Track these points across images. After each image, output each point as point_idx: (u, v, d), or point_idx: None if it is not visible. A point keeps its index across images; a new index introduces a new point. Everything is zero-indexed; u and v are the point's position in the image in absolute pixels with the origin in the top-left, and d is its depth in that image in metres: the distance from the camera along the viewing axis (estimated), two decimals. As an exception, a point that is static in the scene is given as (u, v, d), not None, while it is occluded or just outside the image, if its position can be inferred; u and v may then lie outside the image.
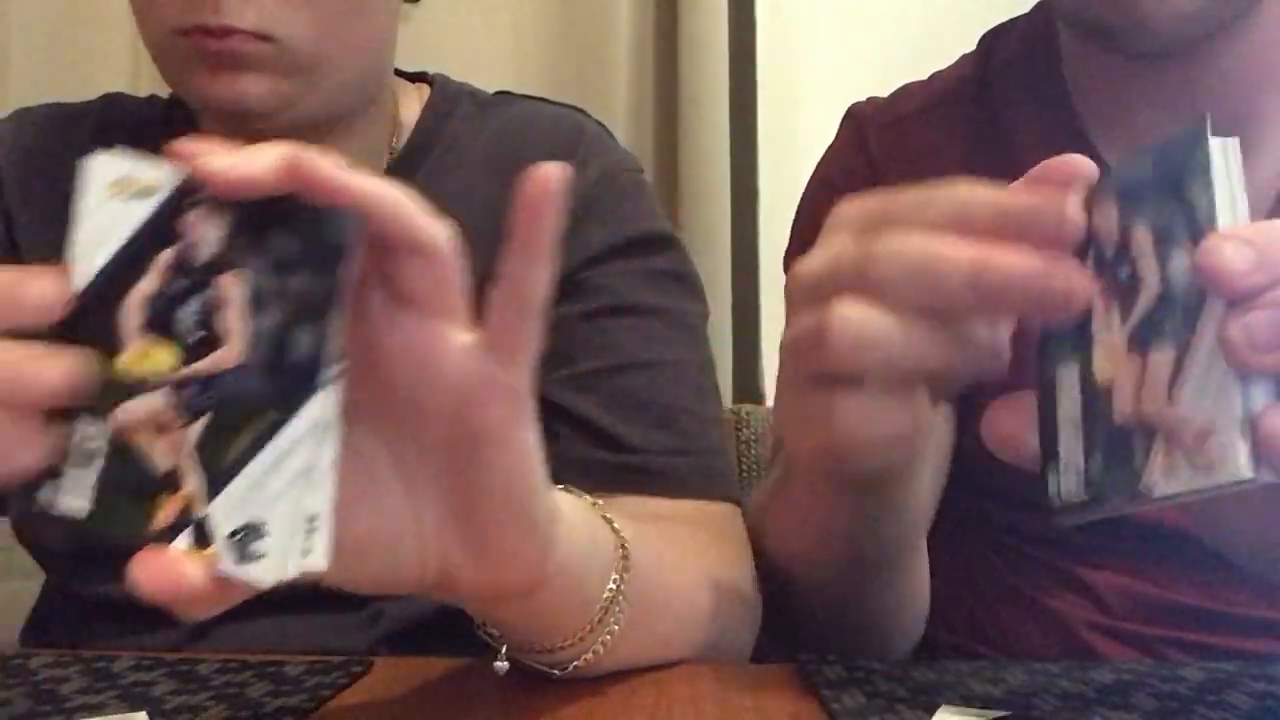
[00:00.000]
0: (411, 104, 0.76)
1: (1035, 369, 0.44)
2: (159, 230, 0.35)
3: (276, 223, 0.35)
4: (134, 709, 0.46)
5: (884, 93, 0.80)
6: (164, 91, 0.80)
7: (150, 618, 0.67)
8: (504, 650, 0.48)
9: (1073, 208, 0.41)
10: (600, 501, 0.50)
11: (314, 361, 0.34)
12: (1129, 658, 0.65)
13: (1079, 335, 0.42)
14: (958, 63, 0.79)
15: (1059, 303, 0.41)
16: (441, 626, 0.66)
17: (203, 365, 0.34)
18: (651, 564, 0.51)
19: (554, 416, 0.68)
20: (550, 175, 0.36)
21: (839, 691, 0.48)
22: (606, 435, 0.67)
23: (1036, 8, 0.76)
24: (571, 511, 0.45)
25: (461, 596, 0.42)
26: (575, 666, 0.48)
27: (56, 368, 0.33)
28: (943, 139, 0.74)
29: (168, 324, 0.34)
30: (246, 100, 0.64)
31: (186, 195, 0.35)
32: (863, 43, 1.35)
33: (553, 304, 0.74)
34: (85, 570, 0.69)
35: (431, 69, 0.80)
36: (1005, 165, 0.71)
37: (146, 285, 0.34)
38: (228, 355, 0.34)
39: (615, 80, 1.35)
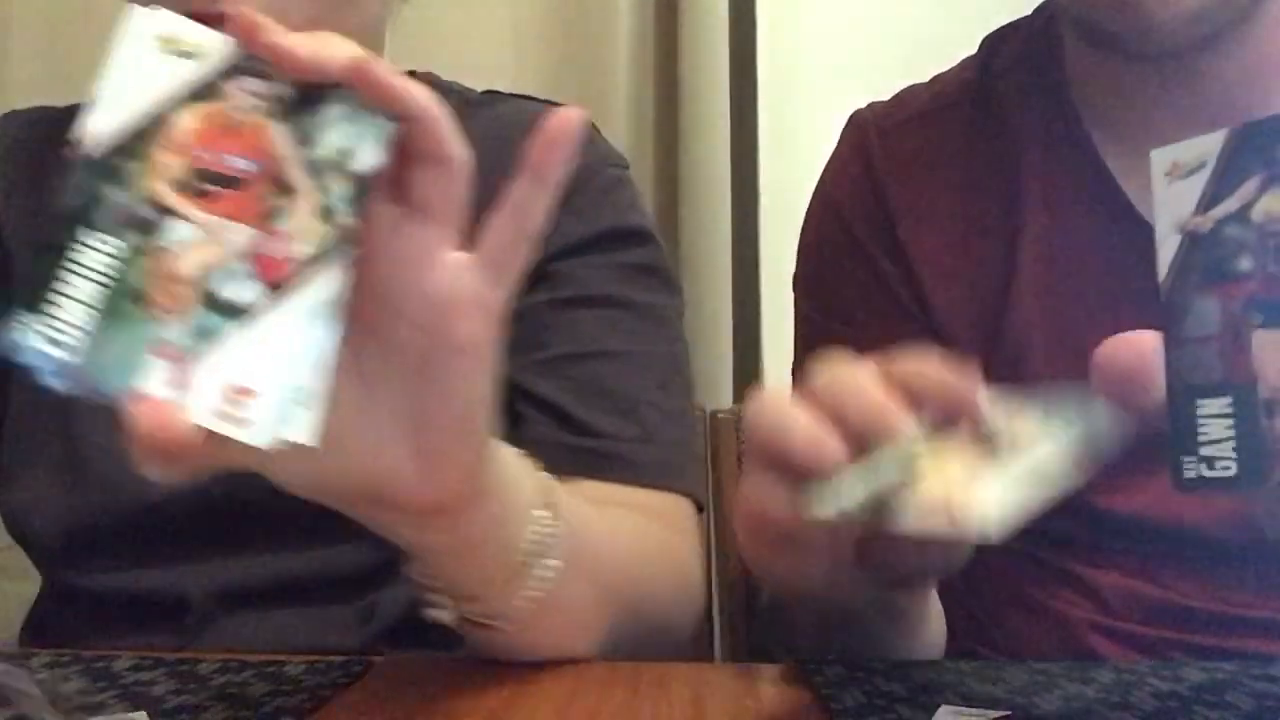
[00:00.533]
0: None
1: (1163, 316, 0.39)
2: (202, 91, 0.36)
3: (321, 108, 0.36)
4: (134, 709, 0.46)
5: (884, 93, 0.80)
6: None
7: (145, 614, 0.67)
8: (437, 604, 0.48)
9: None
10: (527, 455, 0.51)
11: (335, 243, 0.35)
12: (1129, 658, 0.65)
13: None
14: (959, 65, 0.78)
15: None
16: (436, 623, 0.66)
17: (223, 228, 0.35)
18: (581, 525, 0.52)
19: (520, 398, 0.69)
20: (573, 116, 0.40)
21: (839, 691, 0.48)
22: (569, 419, 0.68)
23: (1037, 10, 0.76)
24: (505, 449, 0.47)
25: (397, 507, 0.43)
26: (507, 619, 0.49)
27: None
28: (945, 142, 0.74)
29: (203, 179, 0.35)
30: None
31: (237, 65, 0.36)
32: (863, 43, 1.35)
33: (524, 291, 0.75)
34: (76, 561, 0.69)
35: (432, 69, 0.80)
36: (1007, 168, 0.71)
37: (178, 143, 0.35)
38: (252, 213, 0.35)
39: (615, 80, 1.35)
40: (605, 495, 0.66)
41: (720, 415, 1.09)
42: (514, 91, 0.81)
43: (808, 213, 0.81)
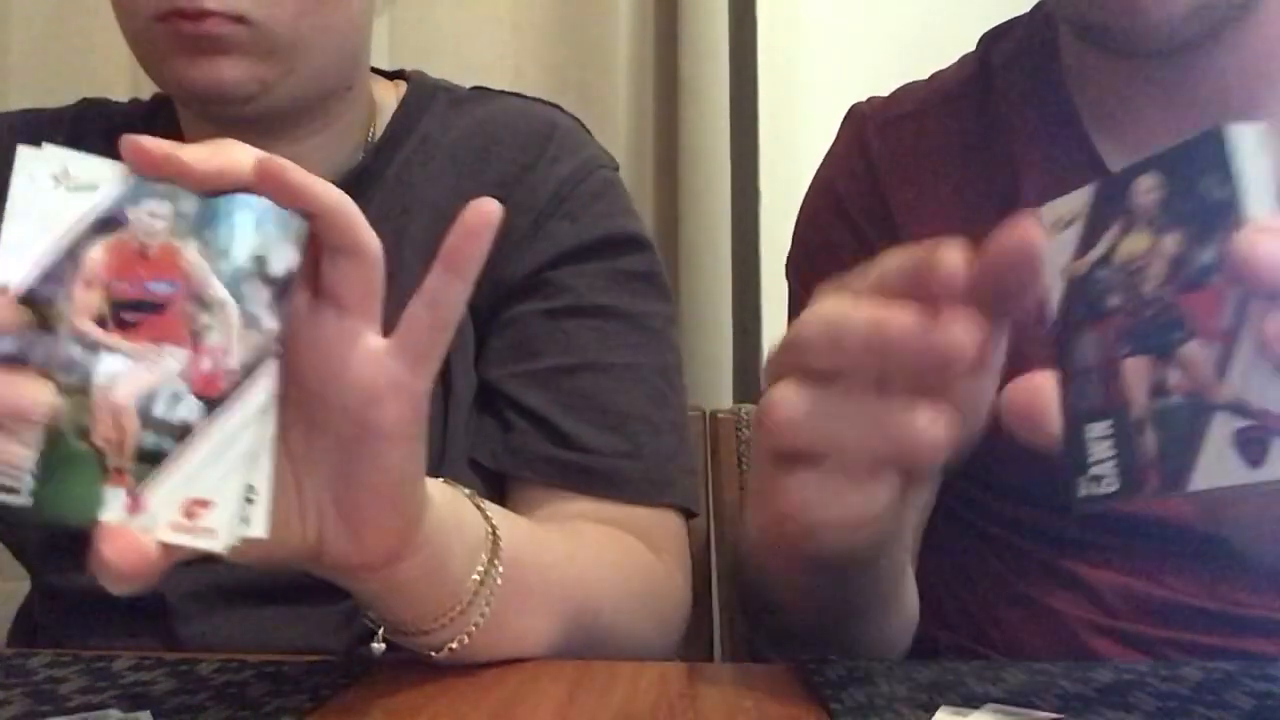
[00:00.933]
0: (388, 99, 0.76)
1: (1055, 353, 0.43)
2: (106, 222, 0.36)
3: (227, 218, 0.37)
4: (134, 709, 0.46)
5: (884, 93, 0.80)
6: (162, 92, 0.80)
7: (126, 613, 0.67)
8: (381, 633, 0.49)
9: (950, 259, 0.41)
10: (474, 494, 0.52)
11: (261, 349, 0.37)
12: (1129, 658, 0.65)
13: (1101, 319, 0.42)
14: (958, 63, 0.79)
15: (946, 359, 0.39)
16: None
17: (153, 353, 0.36)
18: (531, 555, 0.53)
19: (508, 407, 0.69)
20: (491, 210, 0.40)
21: (839, 691, 0.48)
22: (558, 432, 0.68)
23: (1035, 8, 0.76)
24: (441, 498, 0.47)
25: (330, 567, 0.44)
26: (451, 649, 0.50)
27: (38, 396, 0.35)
28: (943, 138, 0.74)
29: (124, 309, 0.36)
30: (224, 85, 0.65)
31: (136, 189, 0.36)
32: (863, 43, 1.35)
33: (518, 299, 0.75)
34: (56, 561, 0.69)
35: (431, 69, 0.80)
36: (1005, 164, 0.71)
37: (93, 277, 0.36)
38: (179, 333, 0.36)
39: (615, 80, 1.35)
40: (589, 512, 0.66)
41: (720, 415, 1.09)
42: (515, 91, 0.81)
43: (804, 201, 0.81)
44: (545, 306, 0.70)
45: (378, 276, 0.40)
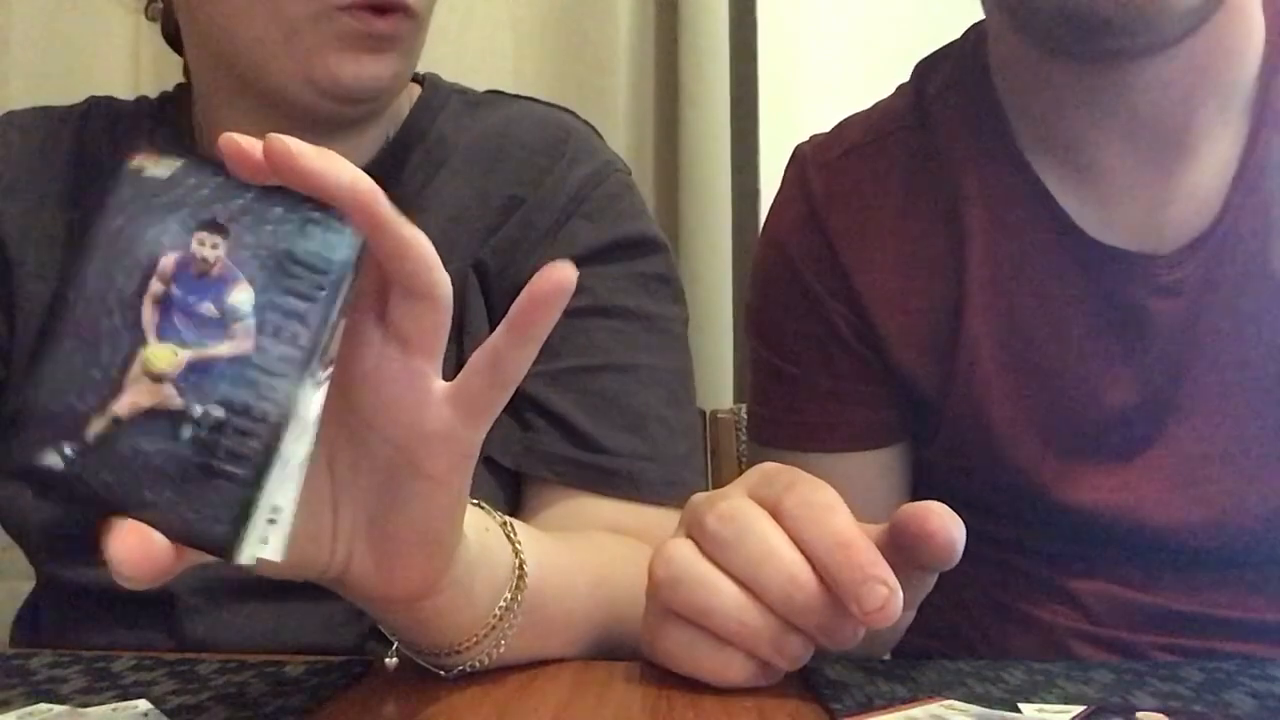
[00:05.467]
0: (402, 100, 0.76)
1: None
2: (183, 226, 0.35)
3: (293, 227, 0.35)
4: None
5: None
6: (166, 87, 0.80)
7: (132, 608, 0.67)
8: (395, 647, 0.49)
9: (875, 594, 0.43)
10: (509, 521, 0.51)
11: (308, 360, 0.34)
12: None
13: None
14: (895, 92, 0.78)
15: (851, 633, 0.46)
16: None
17: (205, 355, 0.34)
18: (555, 583, 0.53)
19: (528, 407, 0.69)
20: (564, 277, 0.38)
21: (839, 691, 0.48)
22: (578, 433, 0.68)
23: (965, 34, 0.76)
24: (472, 531, 0.46)
25: (354, 594, 0.44)
26: (463, 670, 0.49)
27: None
28: (883, 170, 0.74)
29: (178, 320, 0.34)
30: (381, 83, 0.66)
31: (215, 194, 0.35)
32: (863, 43, 1.35)
33: None
34: (64, 555, 0.69)
35: (431, 69, 0.80)
36: (948, 192, 0.72)
37: (162, 279, 0.34)
38: (232, 348, 0.34)
39: (615, 80, 1.35)
40: (606, 512, 0.66)
41: (720, 415, 1.09)
42: (515, 91, 0.81)
43: (757, 250, 0.81)
44: (566, 306, 0.70)
45: (446, 320, 0.39)
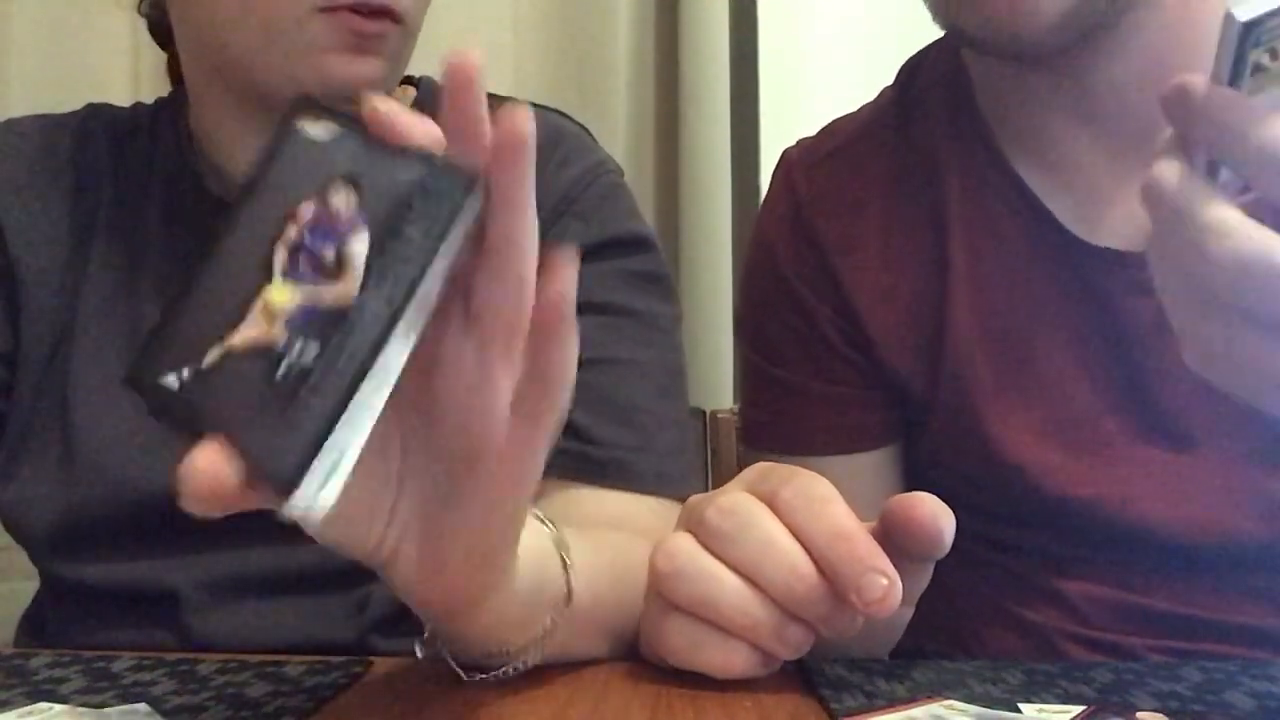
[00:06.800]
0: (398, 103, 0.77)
1: None
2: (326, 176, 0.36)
3: (414, 184, 0.36)
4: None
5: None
6: (162, 93, 0.80)
7: (138, 606, 0.67)
8: (426, 634, 0.48)
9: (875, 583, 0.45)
10: (566, 543, 0.51)
11: (401, 309, 0.35)
12: None
13: None
14: (880, 94, 0.79)
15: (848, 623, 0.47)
16: None
17: (316, 298, 0.35)
18: (593, 599, 0.52)
19: None
20: (568, 272, 0.39)
21: (839, 691, 0.48)
22: (570, 425, 0.68)
23: (947, 34, 0.75)
24: (528, 553, 0.45)
25: (395, 587, 0.43)
26: (483, 679, 0.49)
27: None
28: (867, 172, 0.74)
29: (303, 263, 0.36)
30: (368, 86, 0.66)
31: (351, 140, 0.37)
32: (863, 43, 1.35)
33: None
34: (70, 554, 0.70)
35: (431, 69, 0.80)
36: (932, 190, 0.72)
37: (296, 225, 0.36)
38: (339, 293, 0.35)
39: (615, 80, 1.35)
40: (600, 503, 0.67)
41: (720, 415, 1.09)
42: (514, 92, 0.81)
43: (746, 254, 0.81)
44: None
45: (524, 315, 0.38)
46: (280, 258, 0.36)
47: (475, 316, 0.38)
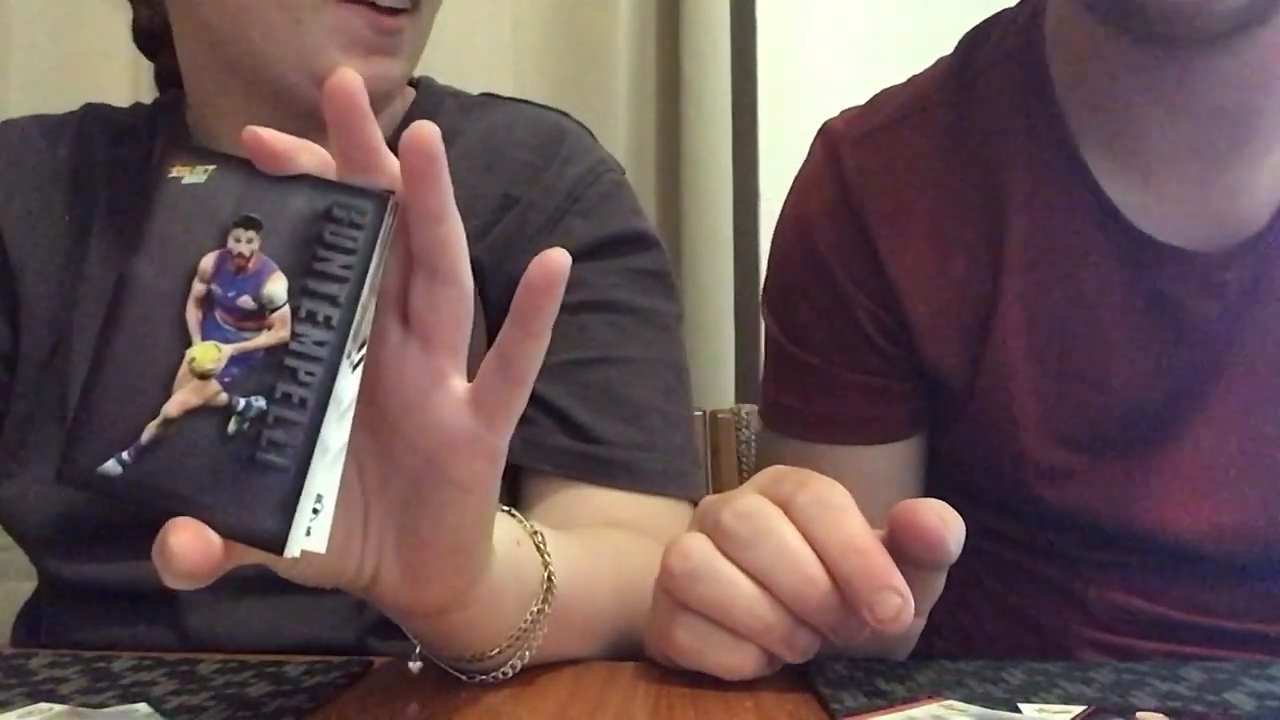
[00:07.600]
0: (396, 104, 0.76)
1: None
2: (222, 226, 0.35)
3: (319, 213, 0.35)
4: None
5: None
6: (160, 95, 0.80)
7: (135, 604, 0.67)
8: (418, 650, 0.49)
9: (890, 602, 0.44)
10: (540, 531, 0.51)
11: (342, 342, 0.35)
12: None
13: None
14: (935, 65, 0.75)
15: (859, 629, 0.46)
16: None
17: (246, 348, 0.35)
18: (582, 591, 0.53)
19: (528, 402, 0.69)
20: (556, 264, 0.38)
21: (839, 691, 0.48)
22: (576, 425, 0.68)
23: (1021, 4, 0.73)
24: (503, 544, 0.46)
25: (382, 606, 0.44)
26: (482, 680, 0.50)
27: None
28: (920, 147, 0.71)
29: (220, 317, 0.35)
30: (384, 84, 0.66)
31: (245, 189, 0.36)
32: (863, 43, 1.35)
33: None
34: (67, 552, 0.69)
35: (431, 69, 0.80)
36: (988, 172, 0.69)
37: (203, 279, 0.35)
38: (270, 338, 0.35)
39: (615, 80, 1.35)
40: (606, 503, 0.67)
41: (720, 415, 1.09)
42: (514, 92, 0.81)
43: (779, 225, 0.78)
44: (561, 301, 0.71)
45: (467, 313, 0.39)
46: (194, 318, 0.35)
47: (418, 322, 0.38)
